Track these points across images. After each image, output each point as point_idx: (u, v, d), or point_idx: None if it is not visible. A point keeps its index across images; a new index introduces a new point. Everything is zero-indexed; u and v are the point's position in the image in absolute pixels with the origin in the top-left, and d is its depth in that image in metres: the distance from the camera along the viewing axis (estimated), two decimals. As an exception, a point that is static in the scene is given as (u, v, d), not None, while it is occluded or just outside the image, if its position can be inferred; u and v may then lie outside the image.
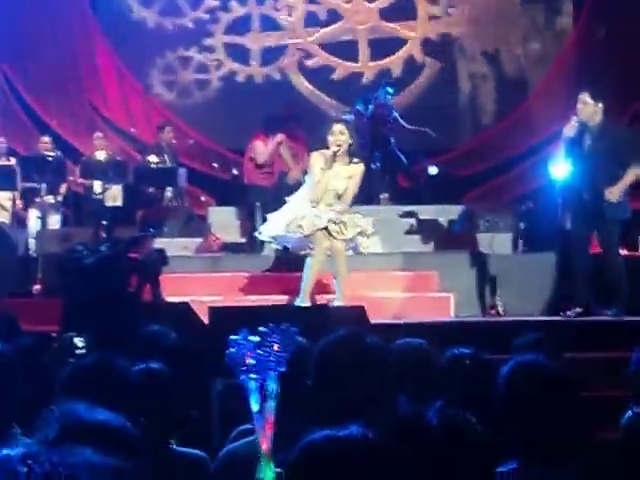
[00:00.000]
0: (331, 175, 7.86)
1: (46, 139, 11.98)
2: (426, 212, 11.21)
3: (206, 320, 6.64)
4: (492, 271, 9.49)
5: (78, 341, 4.76)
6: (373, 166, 10.90)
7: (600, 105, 8.11)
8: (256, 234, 8.33)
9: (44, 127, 12.95)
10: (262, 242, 10.21)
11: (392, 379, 2.58)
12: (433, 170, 12.98)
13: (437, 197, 11.84)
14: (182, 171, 12.03)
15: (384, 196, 11.52)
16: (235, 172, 11.91)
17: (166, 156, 12.07)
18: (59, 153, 11.91)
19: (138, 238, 8.22)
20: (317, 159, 7.93)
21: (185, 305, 6.67)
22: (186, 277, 9.19)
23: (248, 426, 3.94)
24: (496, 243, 10.34)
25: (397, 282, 9.28)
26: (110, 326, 4.79)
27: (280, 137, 10.32)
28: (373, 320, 6.99)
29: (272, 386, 2.37)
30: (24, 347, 4.24)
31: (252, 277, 9.17)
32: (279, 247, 8.54)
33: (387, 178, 11.80)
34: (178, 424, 3.59)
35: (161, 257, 7.07)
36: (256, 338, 2.38)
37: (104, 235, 11.00)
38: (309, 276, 7.86)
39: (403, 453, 1.77)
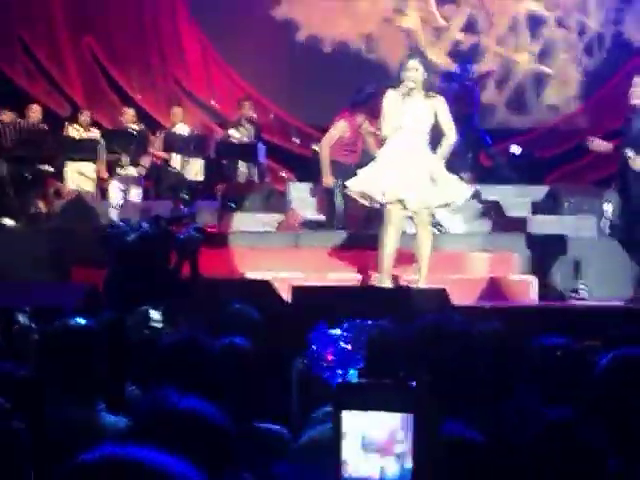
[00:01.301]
0: (408, 111, 7.56)
1: (130, 112, 12.07)
2: (508, 192, 11.05)
3: (287, 298, 6.63)
4: (575, 254, 9.33)
5: (154, 313, 4.76)
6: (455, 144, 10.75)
7: None
8: (346, 183, 8.06)
9: (128, 100, 13.05)
10: (341, 219, 10.20)
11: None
12: (516, 149, 12.82)
13: (520, 177, 11.68)
14: (262, 146, 12.04)
15: (466, 175, 11.37)
16: (316, 148, 11.85)
17: (247, 131, 12.08)
18: (142, 126, 11.99)
19: (179, 216, 8.23)
20: (389, 96, 7.66)
21: (266, 283, 6.65)
22: (267, 252, 9.20)
23: (327, 408, 3.93)
24: (580, 225, 10.16)
25: (478, 263, 9.16)
26: (153, 303, 4.79)
27: (362, 117, 10.21)
28: (455, 303, 6.92)
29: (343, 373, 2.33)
30: (108, 321, 4.25)
31: (332, 254, 9.13)
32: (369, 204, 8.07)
33: (469, 157, 11.64)
34: (260, 402, 3.56)
35: (200, 235, 7.04)
36: (336, 332, 2.33)
37: (184, 209, 11.07)
38: (384, 256, 7.64)
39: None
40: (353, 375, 2.32)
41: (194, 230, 7.14)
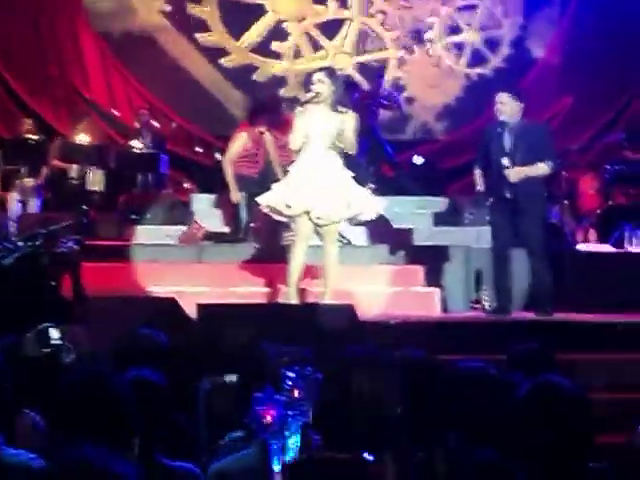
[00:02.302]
0: (315, 123, 7.56)
1: (28, 122, 11.85)
2: (410, 204, 11.13)
3: (193, 314, 6.55)
4: (477, 265, 9.43)
5: (53, 332, 4.63)
6: (358, 156, 10.79)
7: (520, 104, 8.28)
8: (257, 199, 8.01)
9: (26, 109, 12.80)
10: (246, 231, 10.16)
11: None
12: (418, 160, 12.94)
13: (421, 189, 11.77)
14: (164, 156, 11.93)
15: (370, 187, 11.41)
16: (219, 157, 11.78)
17: (148, 141, 11.96)
18: (42, 136, 11.77)
19: (55, 230, 7.93)
20: (299, 114, 7.69)
21: (171, 300, 6.56)
22: (170, 266, 9.08)
23: (238, 433, 3.87)
24: (481, 236, 10.28)
25: (382, 276, 9.20)
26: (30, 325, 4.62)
27: (262, 127, 10.20)
28: (360, 317, 6.94)
29: (294, 441, 2.28)
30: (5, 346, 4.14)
31: (237, 267, 9.06)
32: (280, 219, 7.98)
33: (372, 168, 11.69)
34: (167, 431, 3.49)
35: (79, 248, 6.79)
36: (280, 396, 2.28)
37: (85, 220, 10.89)
38: (292, 269, 7.64)
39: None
40: (296, 433, 2.27)
41: (73, 243, 6.88)
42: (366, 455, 1.87)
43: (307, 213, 7.57)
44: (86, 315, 6.20)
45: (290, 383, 2.30)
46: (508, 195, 8.19)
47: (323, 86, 7.61)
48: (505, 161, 8.18)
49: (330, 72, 7.88)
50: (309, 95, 7.64)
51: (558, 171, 9.65)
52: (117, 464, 1.69)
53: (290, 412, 2.31)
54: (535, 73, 13.35)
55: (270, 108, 10.68)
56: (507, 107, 8.22)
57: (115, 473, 1.66)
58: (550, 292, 8.32)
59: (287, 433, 2.27)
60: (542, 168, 8.30)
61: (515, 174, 8.16)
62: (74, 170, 11.63)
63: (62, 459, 1.69)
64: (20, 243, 6.82)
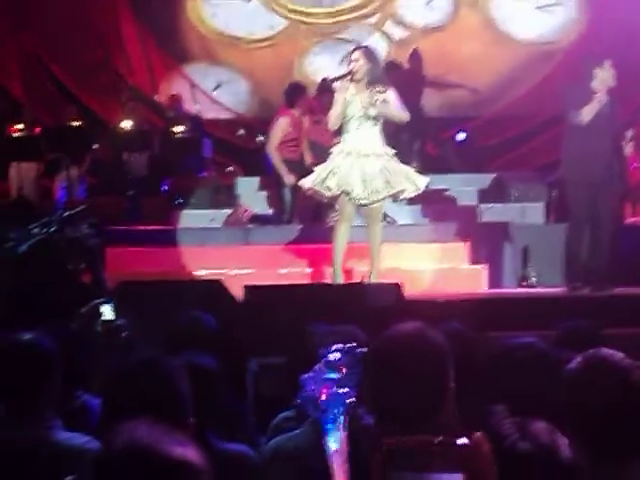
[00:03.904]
0: (354, 101, 7.55)
1: (72, 109, 11.92)
2: (455, 181, 11.07)
3: (240, 297, 6.57)
4: (524, 241, 9.37)
5: (105, 307, 4.67)
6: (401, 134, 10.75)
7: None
8: (300, 182, 8.02)
9: (70, 96, 12.87)
10: (291, 213, 10.17)
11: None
12: (461, 136, 12.87)
13: (466, 166, 11.71)
14: (207, 140, 11.96)
15: (413, 165, 11.37)
16: (262, 139, 11.78)
17: (188, 125, 11.99)
18: (85, 123, 11.84)
19: (70, 215, 7.84)
20: (339, 88, 7.69)
21: (218, 282, 6.58)
22: (216, 250, 9.12)
23: (287, 413, 3.88)
24: (527, 213, 10.21)
25: (428, 254, 9.17)
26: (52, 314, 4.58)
27: (300, 110, 10.19)
28: (406, 295, 6.93)
29: (337, 412, 2.27)
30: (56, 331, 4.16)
31: (283, 249, 9.08)
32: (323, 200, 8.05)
33: (416, 146, 11.64)
34: (219, 413, 3.50)
35: (97, 231, 6.66)
36: (330, 374, 2.26)
37: (129, 206, 10.96)
38: (336, 250, 7.64)
39: None
40: (343, 411, 2.26)
41: (89, 227, 6.80)
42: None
43: (347, 194, 7.57)
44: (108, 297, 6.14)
45: (335, 360, 2.29)
46: (603, 162, 7.94)
47: (359, 64, 7.58)
48: (630, 134, 8.02)
49: (367, 50, 7.84)
50: (353, 75, 7.60)
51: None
52: (174, 445, 1.68)
53: (339, 390, 2.30)
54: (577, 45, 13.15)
55: (318, 89, 10.68)
56: (610, 75, 8.03)
57: (172, 453, 1.66)
58: (611, 267, 8.15)
59: (336, 411, 2.27)
60: (632, 148, 8.18)
61: (630, 136, 7.99)
62: (119, 156, 11.68)
63: (117, 440, 1.69)
64: (35, 230, 6.77)
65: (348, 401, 2.26)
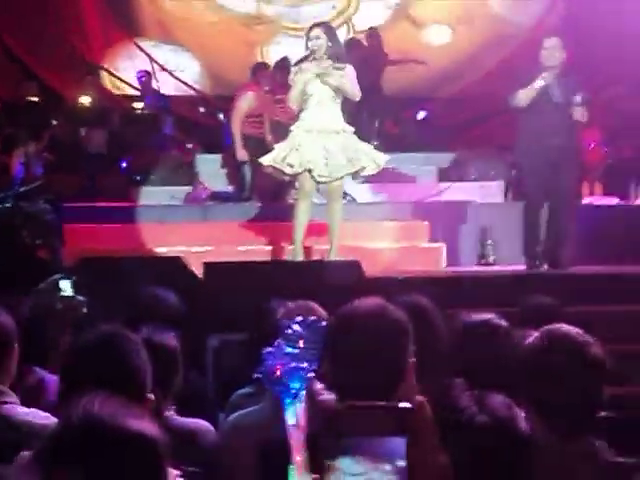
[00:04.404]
0: (313, 79, 7.52)
1: (30, 84, 11.79)
2: (415, 160, 11.10)
3: (200, 273, 6.56)
4: (483, 220, 9.43)
5: (64, 283, 4.63)
6: (362, 112, 10.75)
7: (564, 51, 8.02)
8: (260, 159, 7.99)
9: (29, 72, 12.74)
10: (251, 191, 10.16)
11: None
12: (421, 115, 12.91)
13: (425, 145, 11.74)
14: (168, 117, 11.89)
15: (374, 143, 11.38)
16: (222, 117, 11.76)
17: (151, 101, 11.92)
18: (44, 98, 11.72)
19: (27, 190, 7.75)
20: (296, 72, 7.64)
21: (177, 259, 6.57)
22: (175, 227, 9.09)
23: (245, 389, 3.89)
24: (487, 192, 10.28)
25: (388, 233, 9.20)
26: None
27: (267, 88, 10.19)
28: (366, 273, 6.95)
29: (297, 386, 2.28)
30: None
31: (242, 226, 9.06)
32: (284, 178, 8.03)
33: (376, 124, 11.66)
34: (178, 388, 3.50)
35: (54, 208, 6.59)
36: (289, 349, 2.27)
37: (88, 183, 10.88)
38: (296, 227, 7.63)
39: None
40: (302, 383, 2.27)
41: (45, 203, 6.72)
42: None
43: (309, 171, 7.57)
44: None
45: (295, 333, 2.30)
46: (557, 143, 7.85)
47: (320, 41, 7.56)
48: (577, 99, 7.85)
49: (326, 27, 7.81)
50: (306, 53, 7.58)
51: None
52: (131, 419, 1.68)
53: (297, 364, 2.30)
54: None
55: (276, 67, 10.66)
56: (559, 54, 7.95)
57: (128, 427, 1.65)
58: (567, 245, 8.17)
59: (295, 385, 2.28)
60: (586, 115, 8.03)
61: (581, 112, 7.85)
62: (78, 132, 11.58)
63: (73, 415, 1.68)
64: None
65: (307, 375, 2.27)
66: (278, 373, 2.24)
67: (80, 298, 4.34)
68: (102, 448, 1.62)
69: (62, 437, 1.65)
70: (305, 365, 2.27)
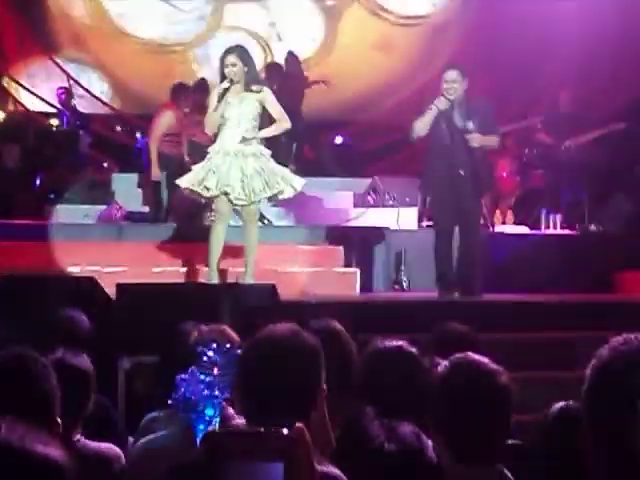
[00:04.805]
0: (231, 106, 7.55)
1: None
2: (332, 185, 11.17)
3: (112, 294, 6.50)
4: (397, 246, 9.53)
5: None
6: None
7: (466, 80, 8.15)
8: (177, 181, 7.96)
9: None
10: (167, 211, 10.12)
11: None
12: (338, 140, 13.00)
13: (343, 170, 11.82)
14: (85, 135, 11.80)
15: (291, 167, 11.42)
16: (139, 136, 11.72)
17: (69, 119, 11.81)
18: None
19: None
20: (213, 92, 7.66)
21: (91, 280, 6.50)
22: (88, 246, 8.99)
23: (156, 413, 3.87)
24: (401, 217, 10.38)
25: (303, 256, 9.22)
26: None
27: (186, 109, 10.20)
28: (281, 296, 6.96)
29: (210, 413, 2.29)
30: None
31: (156, 247, 9.00)
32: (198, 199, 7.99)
33: (293, 148, 11.70)
34: (88, 412, 3.47)
35: None
36: (203, 376, 2.28)
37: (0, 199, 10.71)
38: (211, 249, 7.63)
39: None
40: (214, 407, 2.28)
41: None
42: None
43: (226, 194, 7.57)
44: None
45: (209, 360, 2.31)
46: (461, 172, 7.98)
47: (236, 69, 7.57)
48: (470, 125, 8.01)
49: (241, 51, 7.77)
50: (230, 81, 7.56)
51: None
52: (37, 443, 1.66)
53: (211, 392, 2.31)
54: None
55: (195, 89, 10.65)
56: (458, 85, 8.06)
57: (34, 452, 1.64)
58: (479, 272, 8.28)
59: (208, 411, 2.28)
60: (494, 140, 8.24)
61: (478, 139, 7.99)
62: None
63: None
64: None
65: (221, 402, 2.28)
66: (192, 400, 2.25)
67: None
68: (7, 473, 1.60)
69: None
70: (218, 393, 2.28)
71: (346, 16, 13.89)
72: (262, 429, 1.82)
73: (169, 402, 2.43)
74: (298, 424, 1.96)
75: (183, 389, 2.29)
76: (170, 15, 13.51)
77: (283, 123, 7.85)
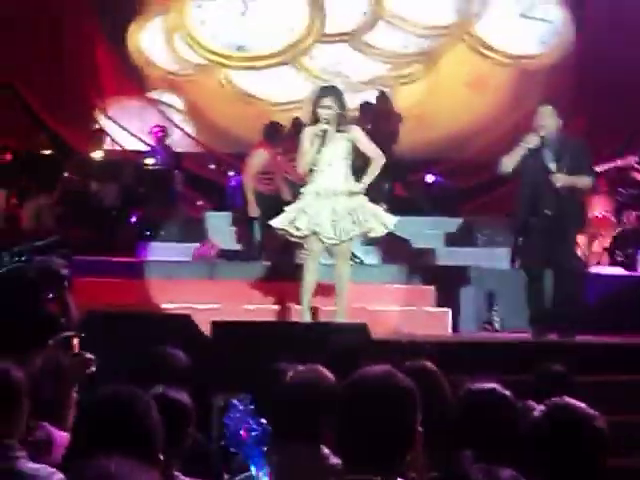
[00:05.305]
0: (325, 148, 7.58)
1: (42, 136, 11.91)
2: (423, 224, 11.15)
3: (206, 331, 6.58)
4: (489, 286, 9.46)
5: (74, 341, 4.66)
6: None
7: (560, 119, 8.09)
8: (270, 222, 8.04)
9: (41, 124, 12.85)
10: (260, 249, 10.21)
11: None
12: (430, 178, 12.98)
13: (435, 209, 11.80)
14: (179, 173, 12.00)
15: (382, 206, 11.44)
16: (232, 174, 11.87)
17: (162, 158, 12.02)
18: (56, 151, 11.83)
19: (42, 245, 7.70)
20: (306, 133, 7.72)
21: (186, 318, 6.59)
22: (183, 283, 9.12)
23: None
24: (494, 257, 10.31)
25: (394, 295, 9.22)
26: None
27: (279, 148, 10.34)
28: (373, 336, 6.96)
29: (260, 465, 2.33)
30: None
31: (250, 285, 9.09)
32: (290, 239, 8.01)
33: (386, 187, 11.71)
34: (186, 448, 3.52)
35: (68, 262, 6.54)
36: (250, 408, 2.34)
37: (98, 237, 10.93)
38: (305, 287, 7.68)
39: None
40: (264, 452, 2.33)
41: (60, 257, 6.70)
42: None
43: (315, 234, 7.62)
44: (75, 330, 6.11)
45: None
46: (547, 212, 7.94)
47: (331, 111, 7.63)
48: (553, 166, 7.96)
49: (337, 94, 7.77)
50: (324, 125, 7.61)
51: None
52: (141, 478, 1.71)
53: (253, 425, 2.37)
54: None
55: (290, 128, 10.77)
56: (551, 121, 8.02)
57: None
58: (575, 313, 8.14)
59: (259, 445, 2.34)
60: (586, 180, 8.14)
61: (563, 179, 7.91)
62: (89, 186, 11.66)
63: (89, 473, 1.71)
64: (6, 258, 6.72)
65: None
66: (244, 435, 2.30)
67: (89, 356, 4.37)
68: None
69: None
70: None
71: (447, 54, 13.86)
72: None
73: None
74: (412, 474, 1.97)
75: (231, 426, 2.35)
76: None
77: (379, 160, 7.89)
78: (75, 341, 4.47)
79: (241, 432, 2.34)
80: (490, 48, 13.76)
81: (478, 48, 13.75)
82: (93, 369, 4.30)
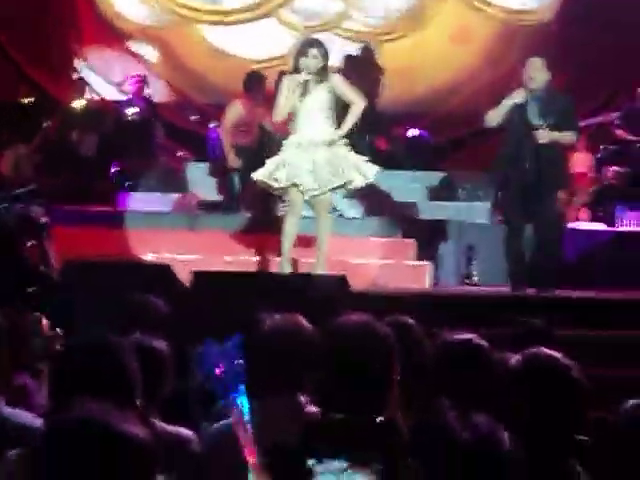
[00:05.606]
0: (304, 97, 7.53)
1: (23, 86, 11.80)
2: (404, 178, 11.14)
3: (186, 281, 6.58)
4: (469, 240, 9.49)
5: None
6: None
7: (549, 72, 8.04)
8: (252, 175, 8.01)
9: (22, 74, 12.73)
10: (239, 201, 10.19)
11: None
12: (413, 132, 12.94)
13: (417, 162, 11.77)
14: (159, 124, 11.92)
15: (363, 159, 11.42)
16: (213, 126, 11.79)
17: (142, 108, 11.93)
18: (36, 100, 11.73)
19: (21, 193, 7.67)
20: (285, 80, 7.67)
21: (166, 268, 6.59)
22: (162, 234, 9.10)
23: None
24: (474, 212, 10.32)
25: (375, 248, 9.24)
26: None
27: (258, 97, 10.25)
28: (351, 288, 6.99)
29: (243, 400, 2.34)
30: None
31: (230, 236, 9.09)
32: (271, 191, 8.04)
33: (366, 140, 11.67)
34: (165, 395, 3.53)
35: (47, 210, 6.51)
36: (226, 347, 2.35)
37: (78, 186, 10.88)
38: (285, 239, 7.67)
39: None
40: (242, 390, 2.34)
41: (38, 205, 6.68)
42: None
43: (295, 186, 7.60)
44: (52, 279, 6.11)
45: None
46: (526, 165, 7.91)
47: (316, 61, 7.58)
48: (537, 122, 7.90)
49: (324, 48, 7.73)
50: (303, 76, 7.54)
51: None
52: (121, 422, 1.71)
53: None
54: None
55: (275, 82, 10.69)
56: (540, 74, 7.97)
57: (119, 430, 1.68)
58: (554, 268, 8.19)
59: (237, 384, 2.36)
60: (569, 136, 8.11)
61: (546, 136, 7.89)
62: (69, 135, 11.58)
63: (71, 416, 1.71)
64: None
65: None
66: (219, 373, 2.32)
67: (59, 331, 4.36)
68: (97, 450, 1.64)
69: (56, 438, 1.68)
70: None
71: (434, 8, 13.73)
72: (359, 417, 1.85)
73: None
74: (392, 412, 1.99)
75: (205, 361, 2.37)
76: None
77: (359, 103, 7.82)
78: (44, 321, 4.45)
79: (216, 370, 2.35)
80: (487, 3, 13.60)
81: (473, 2, 13.58)
82: (60, 346, 4.28)
